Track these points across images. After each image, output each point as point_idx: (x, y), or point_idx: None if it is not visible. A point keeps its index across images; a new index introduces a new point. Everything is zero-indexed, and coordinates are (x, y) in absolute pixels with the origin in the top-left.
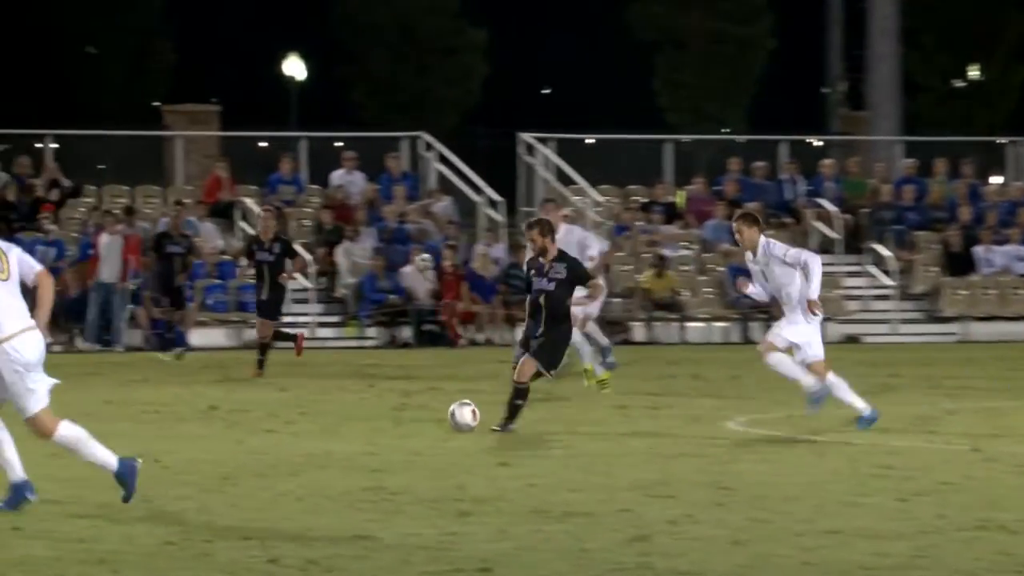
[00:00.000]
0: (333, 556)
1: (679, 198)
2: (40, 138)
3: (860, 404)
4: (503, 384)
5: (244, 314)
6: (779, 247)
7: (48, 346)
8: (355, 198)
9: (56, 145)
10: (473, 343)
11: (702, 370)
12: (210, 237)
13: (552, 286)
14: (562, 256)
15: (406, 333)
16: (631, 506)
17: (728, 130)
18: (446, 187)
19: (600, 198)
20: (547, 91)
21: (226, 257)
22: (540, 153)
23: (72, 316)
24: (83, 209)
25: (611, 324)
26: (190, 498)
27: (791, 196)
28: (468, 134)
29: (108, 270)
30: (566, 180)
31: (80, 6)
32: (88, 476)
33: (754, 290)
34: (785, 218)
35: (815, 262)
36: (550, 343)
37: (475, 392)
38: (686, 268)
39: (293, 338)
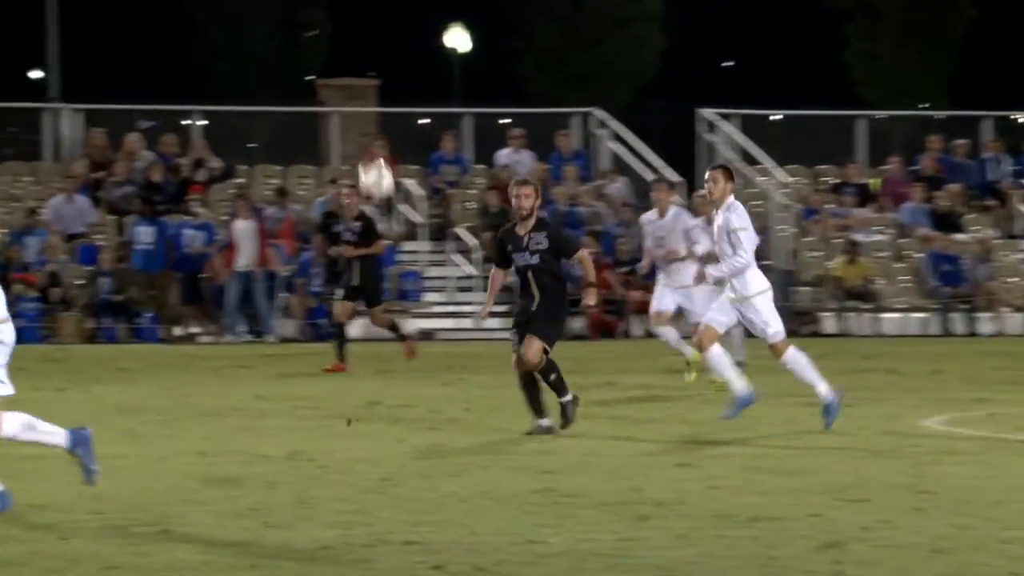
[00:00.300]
0: (501, 562)
1: (873, 183)
2: (187, 114)
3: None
4: (677, 380)
5: (404, 303)
6: (738, 220)
7: (194, 336)
8: (523, 177)
9: (204, 122)
10: (651, 335)
11: (898, 364)
12: None
13: (536, 259)
14: (541, 223)
15: (578, 324)
16: (822, 511)
17: (927, 105)
18: (620, 167)
19: (787, 179)
20: (729, 64)
21: (387, 242)
22: (721, 130)
23: (221, 305)
24: (233, 191)
25: (799, 315)
26: (349, 500)
27: (995, 176)
28: (644, 110)
29: (245, 257)
30: (750, 159)
31: None
32: (239, 475)
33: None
34: (989, 200)
35: (741, 261)
36: (546, 316)
37: (649, 387)
38: (881, 254)
39: (402, 336)
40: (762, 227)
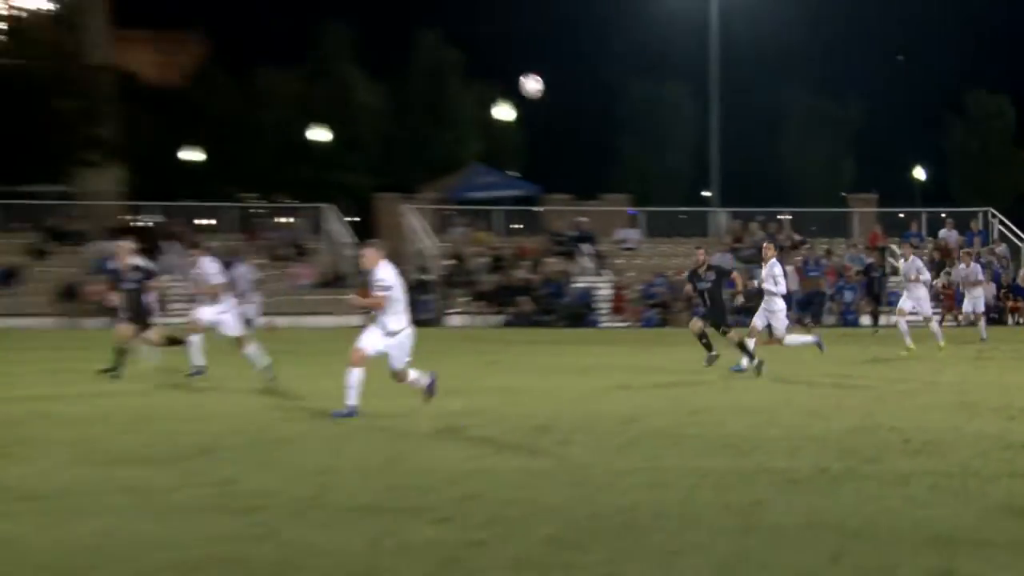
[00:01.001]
0: (935, 440)
1: None
2: (778, 212)
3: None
4: None
5: (891, 306)
6: (779, 270)
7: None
8: (952, 244)
9: (789, 216)
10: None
11: None
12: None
13: (709, 285)
14: (711, 267)
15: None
16: None
17: None
18: (1004, 238)
19: None
20: None
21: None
22: None
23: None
24: (799, 257)
25: None
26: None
27: None
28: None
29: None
30: None
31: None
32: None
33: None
34: None
35: (782, 290)
36: (721, 314)
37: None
38: None
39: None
40: None
